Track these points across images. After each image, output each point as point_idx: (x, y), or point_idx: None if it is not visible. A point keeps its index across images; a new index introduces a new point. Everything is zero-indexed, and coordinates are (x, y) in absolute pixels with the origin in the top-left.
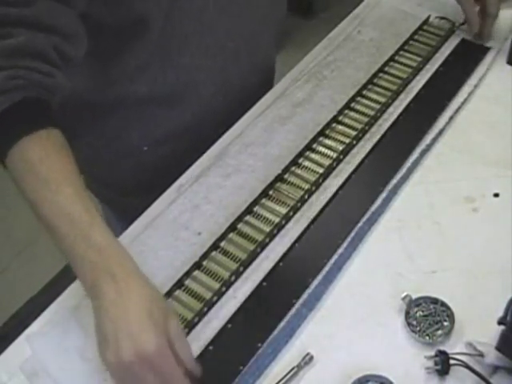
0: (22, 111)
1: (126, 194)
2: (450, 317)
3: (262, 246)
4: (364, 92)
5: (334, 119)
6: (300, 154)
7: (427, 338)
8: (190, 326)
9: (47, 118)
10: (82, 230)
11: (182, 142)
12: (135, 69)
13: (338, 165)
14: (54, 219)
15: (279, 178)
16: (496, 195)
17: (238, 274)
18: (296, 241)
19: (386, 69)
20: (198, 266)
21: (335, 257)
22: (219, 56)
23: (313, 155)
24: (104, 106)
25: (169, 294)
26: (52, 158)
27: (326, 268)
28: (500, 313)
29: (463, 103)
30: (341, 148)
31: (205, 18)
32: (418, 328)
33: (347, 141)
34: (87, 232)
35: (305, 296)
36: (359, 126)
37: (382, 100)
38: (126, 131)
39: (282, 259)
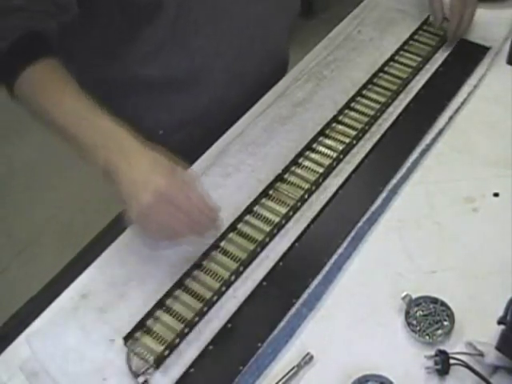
0: (23, 46)
1: None
2: (450, 316)
3: (262, 245)
4: (364, 92)
5: (334, 119)
6: (300, 154)
7: (427, 337)
8: (190, 325)
9: (46, 50)
10: (90, 123)
11: (198, 128)
12: (148, 52)
13: (337, 164)
14: (65, 122)
15: (279, 178)
16: (496, 195)
17: (238, 273)
18: (296, 241)
19: (386, 69)
20: (198, 266)
21: (335, 257)
22: (234, 42)
23: (313, 155)
24: (119, 87)
25: (169, 294)
26: (55, 78)
27: (326, 268)
28: (500, 313)
29: (463, 103)
30: (341, 148)
31: (220, 3)
32: (417, 328)
33: (347, 140)
34: (95, 123)
35: (305, 296)
36: (359, 126)
37: (382, 100)
38: (141, 113)
39: (281, 259)
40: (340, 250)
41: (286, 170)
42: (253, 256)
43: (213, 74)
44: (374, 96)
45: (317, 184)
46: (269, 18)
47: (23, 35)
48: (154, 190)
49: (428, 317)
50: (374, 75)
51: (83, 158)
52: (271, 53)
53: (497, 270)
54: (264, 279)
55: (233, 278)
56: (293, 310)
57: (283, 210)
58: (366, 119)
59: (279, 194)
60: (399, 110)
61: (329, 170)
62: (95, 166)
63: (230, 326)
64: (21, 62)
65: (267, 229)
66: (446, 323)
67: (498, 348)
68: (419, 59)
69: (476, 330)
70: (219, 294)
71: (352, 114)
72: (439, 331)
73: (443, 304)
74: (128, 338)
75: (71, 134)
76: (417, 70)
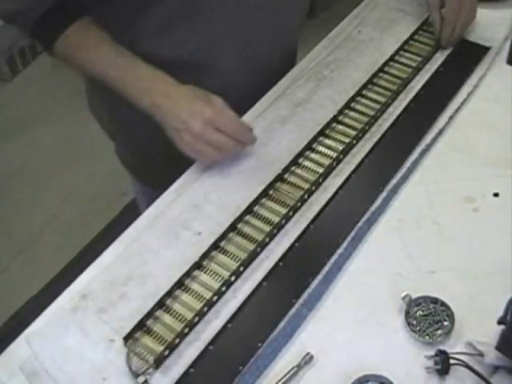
0: (61, 9)
1: (153, 161)
2: (450, 316)
3: (262, 245)
4: (364, 92)
5: (334, 119)
6: (300, 154)
7: (427, 337)
8: (190, 325)
9: (80, 12)
10: (131, 69)
11: None
12: (156, 30)
13: (337, 165)
14: (108, 72)
15: (279, 178)
16: (496, 195)
17: (238, 273)
18: (296, 241)
19: (386, 69)
20: (198, 265)
21: (335, 257)
22: (243, 28)
23: (313, 155)
24: None
25: (169, 294)
26: (92, 34)
27: (326, 268)
28: (500, 313)
29: (463, 103)
30: (341, 148)
31: None
32: (417, 328)
33: (347, 141)
34: (135, 69)
35: (305, 296)
36: (359, 126)
37: (382, 100)
38: None
39: (281, 259)
40: (340, 250)
41: (286, 170)
42: (253, 256)
43: (222, 59)
44: (374, 96)
45: (317, 184)
46: (279, 6)
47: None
48: (201, 118)
49: (428, 317)
50: (374, 75)
51: (129, 101)
52: (281, 42)
53: (497, 270)
54: (264, 279)
55: (233, 278)
56: (293, 310)
57: (283, 210)
58: (366, 119)
59: (279, 194)
60: (399, 110)
61: (329, 170)
62: (141, 107)
63: (229, 325)
64: (61, 24)
65: (267, 229)
66: (446, 323)
67: (498, 348)
68: (419, 59)
69: (476, 330)
70: (219, 294)
71: (352, 113)
72: (439, 331)
73: (443, 304)
74: (128, 338)
75: (114, 82)
76: (417, 70)
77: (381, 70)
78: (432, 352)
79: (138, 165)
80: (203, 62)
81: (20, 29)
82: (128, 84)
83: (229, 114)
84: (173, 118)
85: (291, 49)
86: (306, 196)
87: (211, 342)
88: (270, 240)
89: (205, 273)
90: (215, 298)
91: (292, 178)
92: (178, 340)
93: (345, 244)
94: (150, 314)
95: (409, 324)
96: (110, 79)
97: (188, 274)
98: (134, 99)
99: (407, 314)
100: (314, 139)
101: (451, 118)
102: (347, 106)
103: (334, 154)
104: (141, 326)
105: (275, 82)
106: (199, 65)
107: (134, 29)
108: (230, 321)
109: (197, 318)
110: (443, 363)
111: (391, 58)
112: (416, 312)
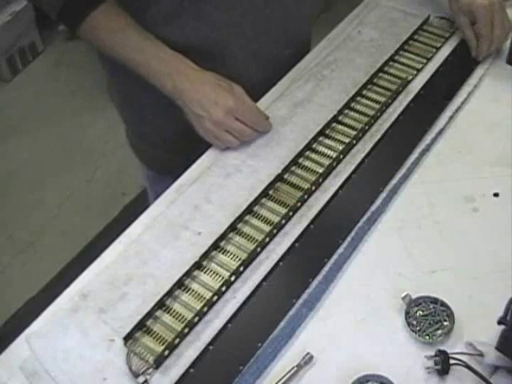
0: None
1: (167, 150)
2: (450, 317)
3: (262, 245)
4: (364, 92)
5: (334, 119)
6: (300, 154)
7: (427, 337)
8: (190, 325)
9: None
10: (154, 54)
11: None
12: (167, 17)
13: (337, 165)
14: (132, 55)
15: (279, 178)
16: (496, 195)
17: (238, 273)
18: (296, 241)
19: (386, 69)
20: (198, 265)
21: (335, 257)
22: (251, 19)
23: (313, 155)
24: None
25: (169, 293)
26: (116, 18)
27: (326, 268)
28: (500, 313)
29: (463, 103)
30: (341, 148)
31: None
32: (417, 328)
33: (347, 141)
34: (158, 54)
35: (305, 296)
36: (359, 126)
37: (382, 100)
38: None
39: (282, 259)
40: (340, 250)
41: (286, 169)
42: (253, 256)
43: (229, 50)
44: (374, 96)
45: (317, 184)
46: (290, 4)
47: None
48: (223, 108)
49: (428, 317)
50: (374, 75)
51: (152, 84)
52: (291, 37)
53: (497, 270)
54: (264, 279)
55: (233, 278)
56: (293, 310)
57: (283, 210)
58: (366, 119)
59: (279, 194)
60: (399, 110)
61: (329, 170)
62: (164, 91)
63: (229, 326)
64: (87, 6)
65: (267, 229)
66: (446, 323)
67: (498, 348)
68: (419, 59)
69: (476, 330)
70: (219, 294)
71: (352, 114)
72: (439, 331)
73: (443, 304)
74: (128, 338)
75: (139, 65)
76: (417, 70)
77: (381, 69)
78: (432, 352)
79: (148, 150)
80: (212, 52)
81: (46, 10)
82: (152, 68)
83: (248, 103)
84: (195, 105)
85: (303, 45)
86: (306, 196)
87: (211, 342)
88: (270, 240)
89: (205, 273)
90: (215, 297)
91: (292, 178)
92: (178, 340)
93: (345, 244)
94: (149, 314)
95: (409, 324)
96: (134, 63)
97: (188, 273)
98: (158, 83)
99: (407, 314)
100: (314, 139)
101: (451, 117)
102: (347, 105)
103: (334, 154)
104: (141, 326)
105: (282, 78)
106: (208, 54)
107: (145, 15)
108: (229, 321)
109: (197, 318)
110: (443, 363)
111: (391, 58)
112: (416, 312)
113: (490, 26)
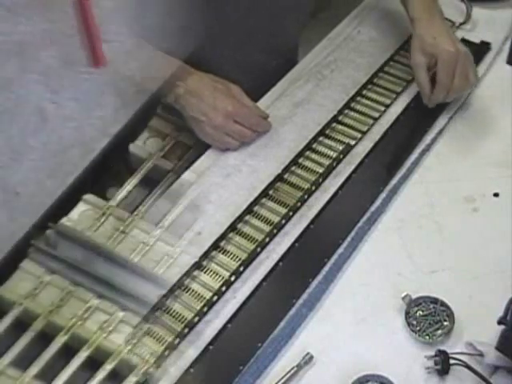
0: None
1: None
2: (450, 317)
3: (262, 245)
4: (364, 92)
5: (334, 119)
6: (300, 154)
7: (427, 337)
8: (189, 325)
9: None
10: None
11: None
12: None
13: (337, 165)
14: None
15: (279, 178)
16: (496, 195)
17: (238, 273)
18: (296, 241)
19: (386, 69)
20: (197, 266)
21: (335, 257)
22: (236, 28)
23: (313, 155)
24: None
25: (169, 293)
26: None
27: (326, 268)
28: (500, 313)
29: (463, 103)
30: (341, 148)
31: None
32: (417, 328)
33: (347, 141)
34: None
35: (305, 296)
36: (359, 126)
37: (382, 100)
38: None
39: (282, 259)
40: (340, 250)
41: (286, 169)
42: (253, 256)
43: (214, 60)
44: (374, 96)
45: (317, 184)
46: (276, 11)
47: None
48: (223, 112)
49: (428, 317)
50: (374, 75)
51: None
52: (278, 48)
53: (497, 270)
54: (264, 279)
55: (233, 278)
56: (293, 310)
57: (283, 210)
58: (366, 119)
59: (279, 194)
60: (399, 110)
61: (329, 170)
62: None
63: (229, 326)
64: None
65: (267, 229)
66: (445, 323)
67: (498, 348)
68: None
69: (476, 330)
70: (219, 294)
71: (352, 114)
72: (439, 331)
73: (443, 304)
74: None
75: None
76: None
77: (381, 69)
78: (432, 352)
79: None
80: (196, 62)
81: None
82: None
83: (247, 103)
84: (194, 110)
85: (289, 55)
86: (306, 196)
87: (211, 342)
88: (270, 240)
89: (205, 273)
90: (215, 297)
91: (292, 178)
92: (177, 340)
93: (345, 244)
94: (149, 314)
95: (409, 324)
96: None
97: (188, 273)
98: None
99: (407, 314)
100: (314, 139)
101: (451, 118)
102: (347, 105)
103: (334, 154)
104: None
105: (272, 87)
106: (192, 64)
107: None
108: (229, 321)
109: (197, 318)
110: (443, 363)
111: (391, 58)
112: (416, 312)
113: (451, 74)
